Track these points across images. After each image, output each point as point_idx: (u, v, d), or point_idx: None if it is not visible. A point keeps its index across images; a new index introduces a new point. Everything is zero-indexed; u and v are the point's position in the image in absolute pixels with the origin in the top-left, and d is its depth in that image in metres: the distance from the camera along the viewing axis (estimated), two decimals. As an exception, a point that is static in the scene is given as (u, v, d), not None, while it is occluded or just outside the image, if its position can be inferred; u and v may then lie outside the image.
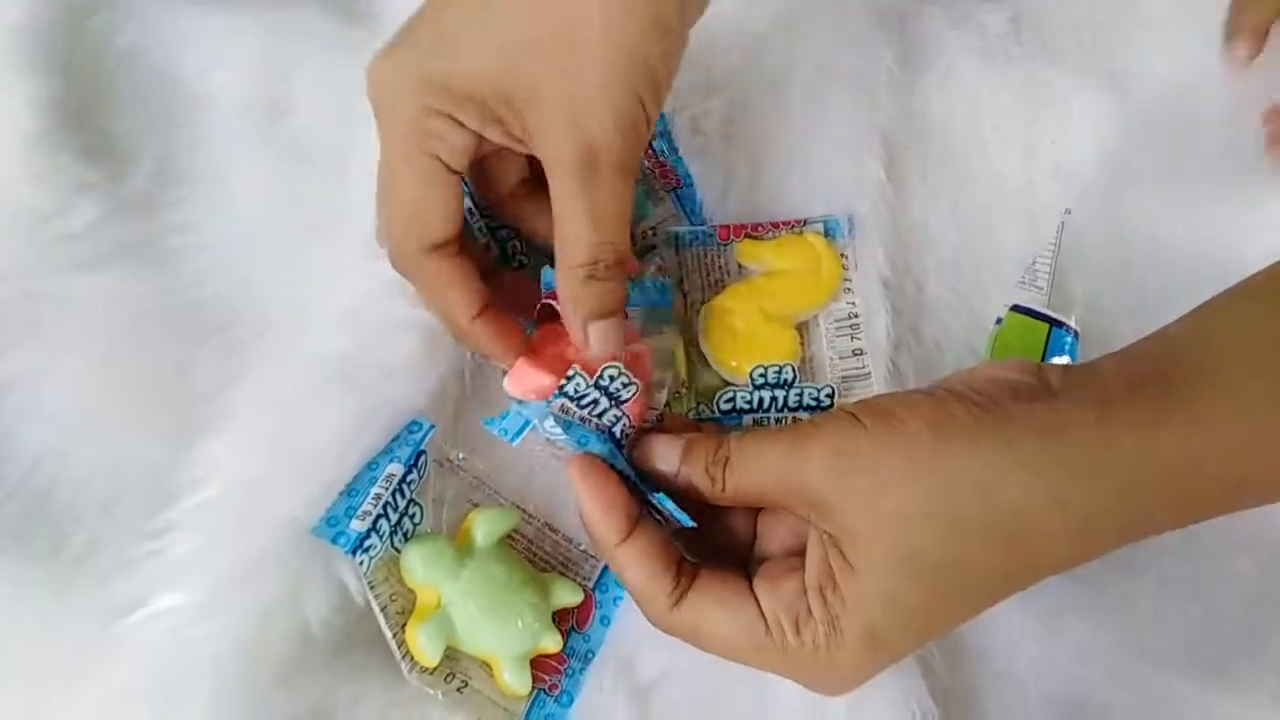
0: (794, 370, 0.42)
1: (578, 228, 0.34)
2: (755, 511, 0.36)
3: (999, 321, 0.47)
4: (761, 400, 0.42)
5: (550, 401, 0.36)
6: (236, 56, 0.45)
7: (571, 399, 0.36)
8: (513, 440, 0.37)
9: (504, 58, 0.32)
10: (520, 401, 0.37)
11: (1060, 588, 0.41)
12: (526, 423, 0.37)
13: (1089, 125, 0.48)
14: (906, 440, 0.30)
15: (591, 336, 0.35)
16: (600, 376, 0.35)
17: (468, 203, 0.40)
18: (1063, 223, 0.48)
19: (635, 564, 0.33)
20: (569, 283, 0.35)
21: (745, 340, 0.43)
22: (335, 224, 0.43)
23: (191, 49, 0.45)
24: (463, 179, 0.36)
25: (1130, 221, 0.48)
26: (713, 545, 0.36)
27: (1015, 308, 0.45)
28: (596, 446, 0.35)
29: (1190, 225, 0.48)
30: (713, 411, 0.42)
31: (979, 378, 0.31)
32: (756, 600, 0.32)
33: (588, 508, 0.33)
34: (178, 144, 0.45)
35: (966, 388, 0.31)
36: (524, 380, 0.37)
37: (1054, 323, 0.46)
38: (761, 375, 0.42)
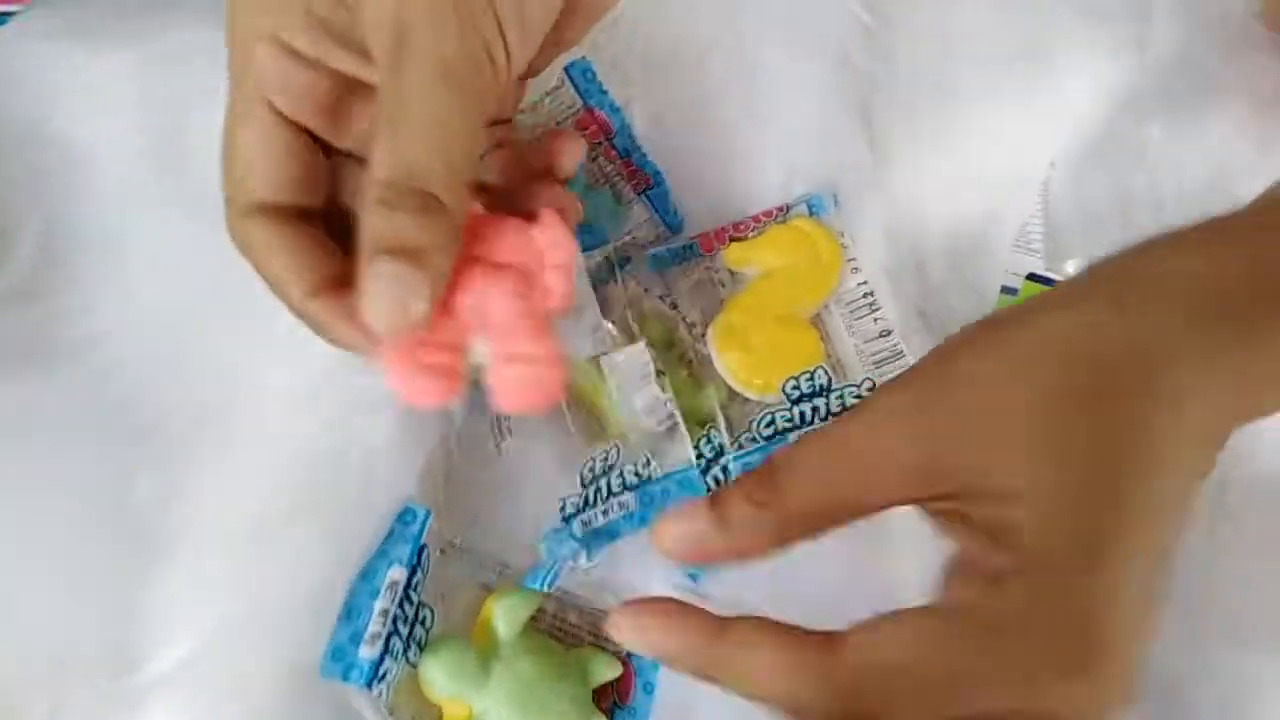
0: (826, 372, 0.39)
1: (381, 140, 0.26)
2: None
3: (1005, 291, 0.44)
4: (803, 414, 0.39)
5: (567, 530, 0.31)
6: (118, 100, 0.38)
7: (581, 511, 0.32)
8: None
9: None
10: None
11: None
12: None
13: (1083, 72, 0.45)
14: (987, 347, 0.25)
15: (368, 282, 0.25)
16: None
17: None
18: (1048, 179, 0.45)
19: (755, 641, 0.25)
20: (365, 207, 0.26)
21: (765, 354, 0.39)
22: (259, 286, 0.37)
23: (64, 99, 0.37)
24: (310, 143, 0.29)
25: (1126, 170, 0.45)
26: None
27: (1031, 276, 0.42)
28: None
29: (1189, 171, 0.46)
30: (755, 437, 0.38)
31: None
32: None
33: (659, 630, 0.26)
34: (62, 213, 0.38)
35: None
36: (412, 388, 0.27)
37: None
38: (795, 388, 0.39)
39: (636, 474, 0.36)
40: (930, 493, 0.25)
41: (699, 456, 0.38)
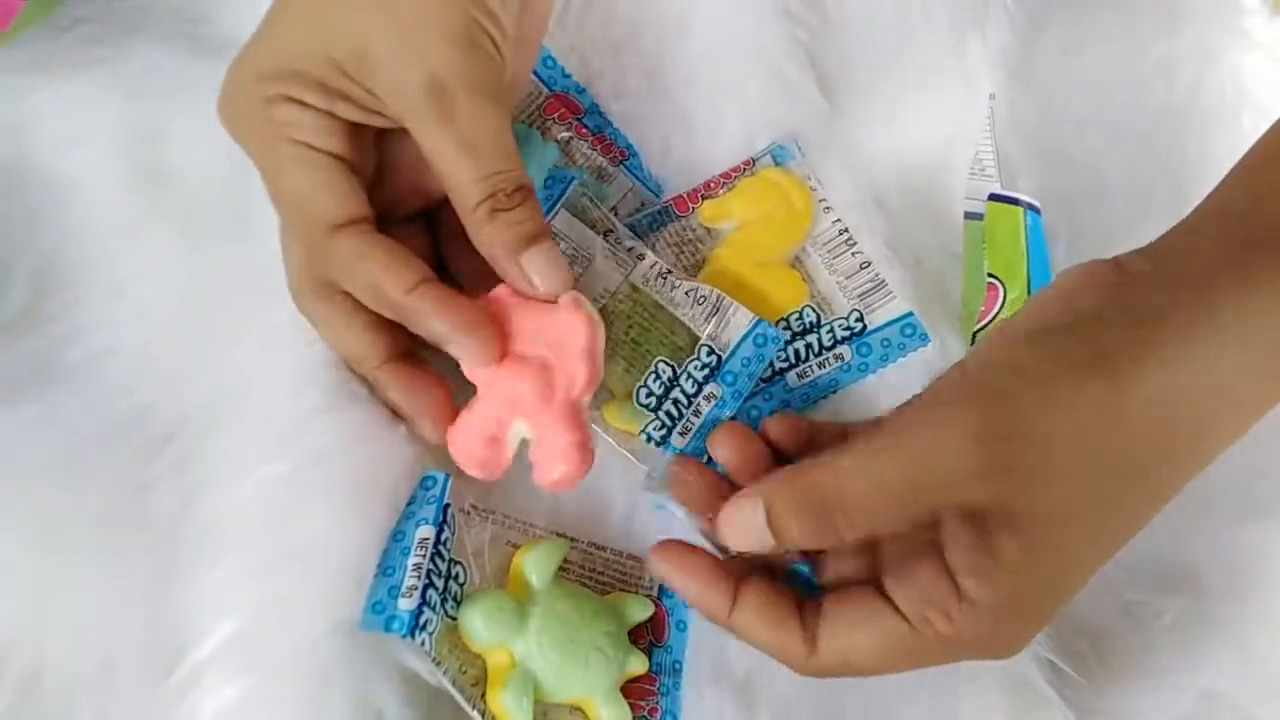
0: (814, 310, 0.41)
1: (456, 167, 0.31)
2: None
3: (969, 216, 0.46)
4: (798, 352, 0.40)
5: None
6: (93, 125, 0.39)
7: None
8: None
9: (321, 27, 0.31)
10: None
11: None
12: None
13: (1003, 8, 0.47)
14: (1062, 402, 0.28)
15: (530, 272, 0.32)
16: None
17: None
18: (992, 109, 0.47)
19: (756, 627, 0.30)
20: (477, 229, 0.31)
21: (752, 299, 0.40)
22: (254, 288, 0.38)
23: (41, 131, 0.39)
24: (351, 168, 0.32)
25: (1063, 88, 0.48)
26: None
27: (993, 196, 0.44)
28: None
29: (1116, 76, 0.49)
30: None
31: (1059, 309, 0.30)
32: (893, 604, 0.29)
33: (687, 593, 0.31)
34: (51, 242, 0.39)
35: (1058, 321, 0.29)
36: (472, 461, 0.34)
37: (1024, 205, 0.45)
38: (786, 327, 0.40)
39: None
40: (963, 507, 0.28)
41: (649, 395, 0.38)
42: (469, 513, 0.36)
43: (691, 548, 0.32)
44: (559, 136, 0.43)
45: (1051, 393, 0.28)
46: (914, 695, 0.36)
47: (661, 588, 0.37)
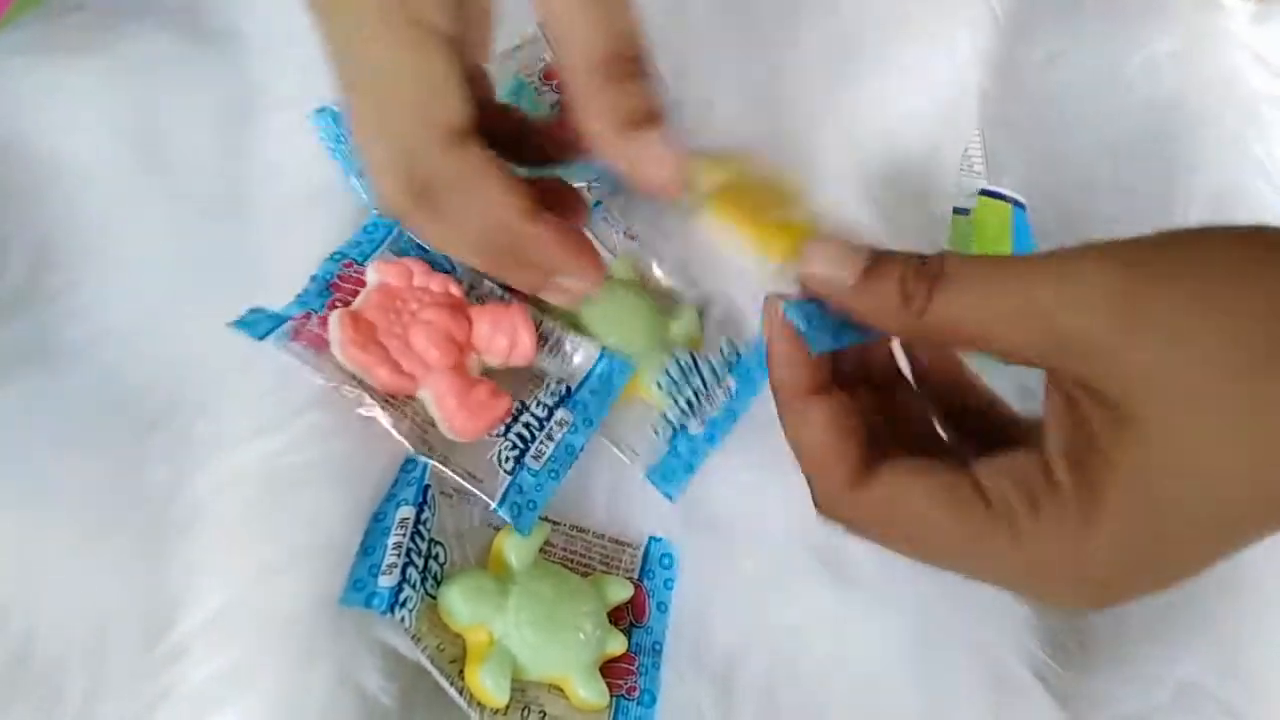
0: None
1: (583, 19, 0.26)
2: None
3: (957, 212, 0.46)
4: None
5: None
6: (92, 110, 0.40)
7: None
8: None
9: None
10: None
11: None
12: None
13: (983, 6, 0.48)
14: (1216, 283, 0.22)
15: (634, 155, 0.27)
16: None
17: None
18: (980, 108, 0.48)
19: (818, 423, 0.25)
20: (588, 92, 0.26)
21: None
22: (248, 268, 0.39)
23: (40, 113, 0.40)
24: None
25: (1051, 89, 0.48)
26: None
27: (984, 192, 0.44)
28: None
29: (1103, 77, 0.49)
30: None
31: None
32: (973, 476, 0.24)
33: (775, 350, 0.26)
34: (50, 223, 0.40)
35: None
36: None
37: (1011, 200, 0.46)
38: None
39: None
40: (1070, 371, 0.23)
41: (669, 380, 0.39)
42: (451, 495, 0.36)
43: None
44: (550, 102, 0.43)
45: (1212, 249, 0.22)
46: (896, 679, 0.36)
47: (642, 570, 0.38)
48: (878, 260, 0.25)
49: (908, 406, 0.29)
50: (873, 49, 0.47)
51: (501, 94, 0.41)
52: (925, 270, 0.24)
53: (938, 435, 0.29)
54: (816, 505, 0.26)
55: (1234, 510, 0.22)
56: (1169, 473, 0.22)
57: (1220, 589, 0.38)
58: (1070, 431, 0.23)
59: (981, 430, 0.28)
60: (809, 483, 0.26)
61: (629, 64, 0.26)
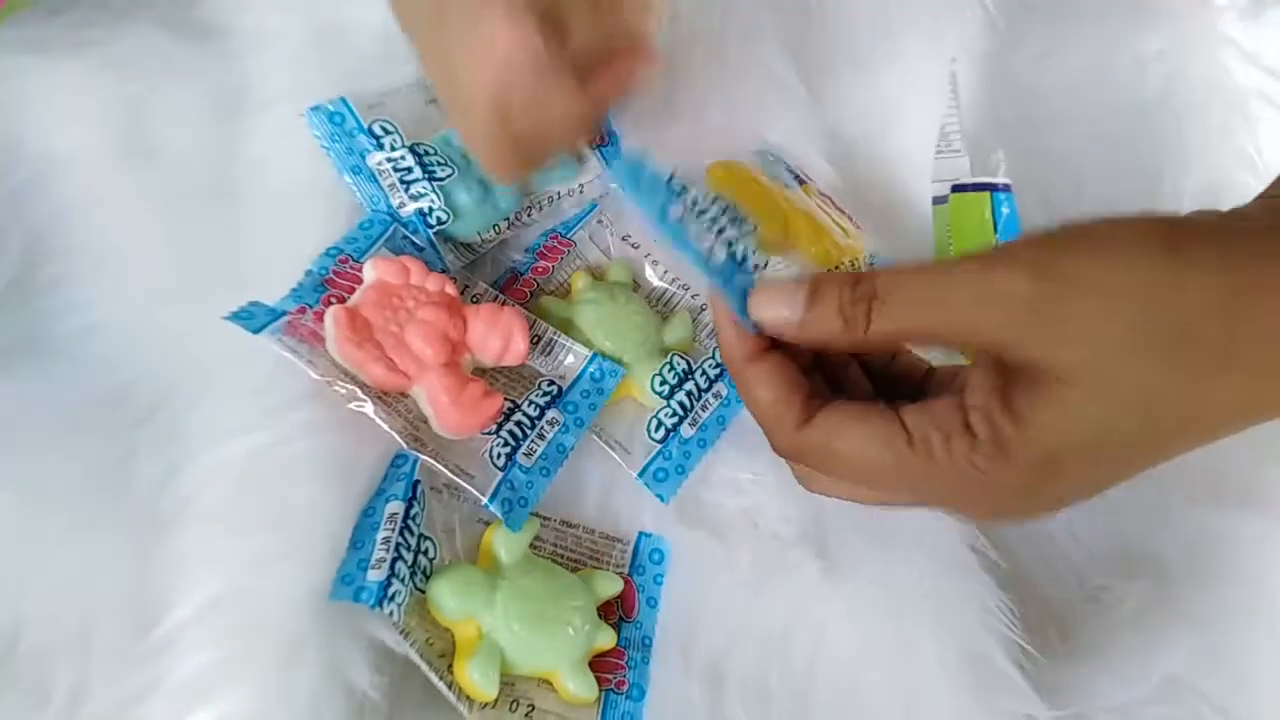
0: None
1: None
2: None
3: (937, 201, 0.46)
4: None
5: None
6: (83, 105, 0.40)
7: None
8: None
9: None
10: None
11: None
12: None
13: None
14: (1120, 262, 0.25)
15: None
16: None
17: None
18: (954, 74, 0.48)
19: (764, 382, 0.29)
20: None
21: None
22: (240, 263, 0.39)
23: (31, 109, 0.40)
24: None
25: (1040, 86, 0.49)
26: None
27: (955, 187, 0.44)
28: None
29: (1092, 74, 0.49)
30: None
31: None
32: (901, 418, 0.28)
33: (722, 323, 0.30)
34: (42, 218, 0.40)
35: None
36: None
37: (990, 188, 0.46)
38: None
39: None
40: (992, 353, 0.27)
41: (663, 383, 0.40)
42: (441, 491, 0.36)
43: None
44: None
45: (1110, 247, 0.25)
46: (880, 670, 0.37)
47: (632, 565, 0.38)
48: (815, 292, 0.28)
49: (845, 367, 0.32)
50: (863, 46, 0.47)
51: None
52: (859, 294, 0.28)
53: (871, 390, 0.32)
54: (773, 448, 0.30)
55: (1123, 461, 0.27)
56: (1077, 423, 0.26)
57: (1203, 583, 0.39)
58: (988, 394, 0.27)
59: (909, 386, 0.32)
60: (766, 433, 0.30)
61: None
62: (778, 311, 0.29)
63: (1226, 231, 0.26)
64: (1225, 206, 0.29)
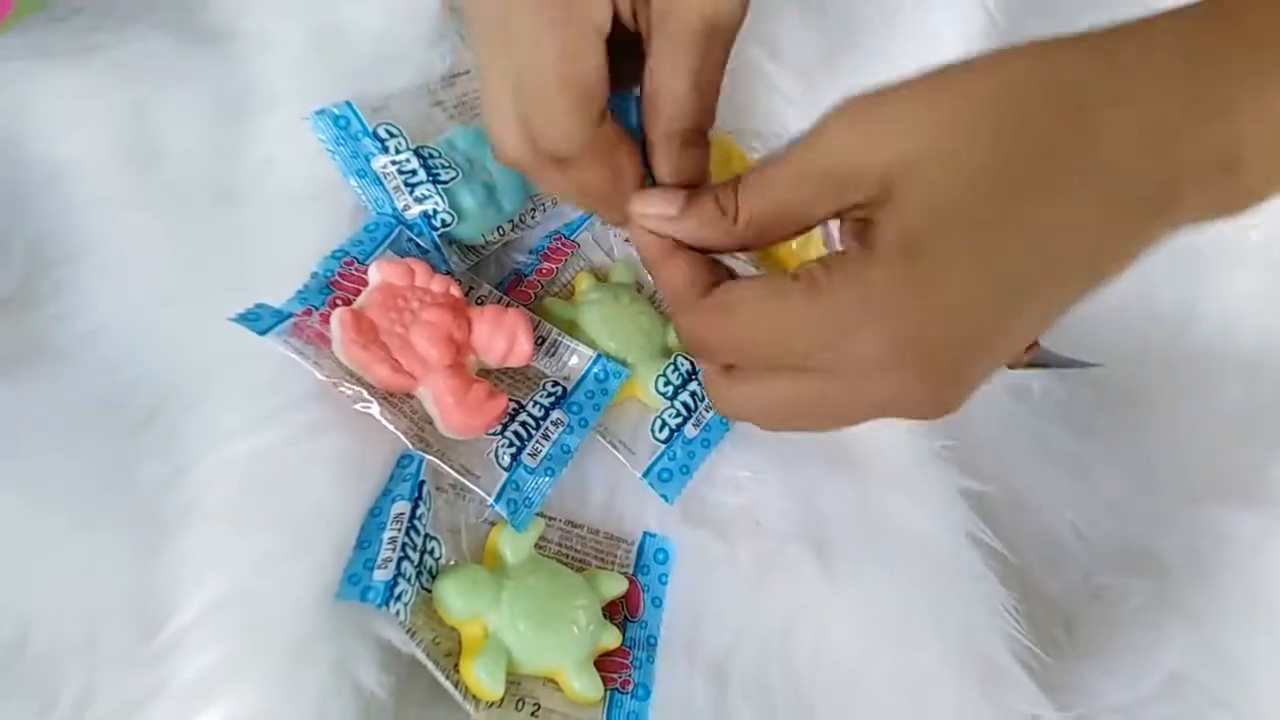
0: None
1: (685, 92, 0.32)
2: None
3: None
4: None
5: None
6: (88, 109, 0.40)
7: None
8: None
9: None
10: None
11: (1079, 442, 0.42)
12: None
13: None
14: (924, 78, 0.27)
15: (697, 201, 0.32)
16: None
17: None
18: None
19: (674, 265, 0.31)
20: (667, 149, 0.33)
21: None
22: (244, 266, 0.39)
23: (35, 113, 0.40)
24: None
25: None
26: None
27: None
28: None
29: None
30: None
31: None
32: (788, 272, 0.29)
33: (636, 229, 0.32)
34: (47, 222, 0.40)
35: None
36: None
37: None
38: None
39: None
40: (850, 202, 0.28)
41: (666, 384, 0.40)
42: (446, 491, 0.37)
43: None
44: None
45: (940, 79, 0.27)
46: (884, 667, 0.37)
47: (637, 565, 0.38)
48: (691, 193, 0.31)
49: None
50: (863, 46, 0.47)
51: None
52: (730, 183, 0.30)
53: None
54: (681, 335, 0.32)
55: (988, 240, 0.27)
56: (915, 204, 0.27)
57: (1205, 580, 0.39)
58: (853, 229, 0.29)
59: None
60: (674, 318, 0.32)
61: (701, 138, 0.33)
62: (657, 207, 0.31)
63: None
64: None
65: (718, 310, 0.30)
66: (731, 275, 0.32)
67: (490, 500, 0.35)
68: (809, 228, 0.30)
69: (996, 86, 0.26)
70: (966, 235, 0.26)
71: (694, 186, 0.33)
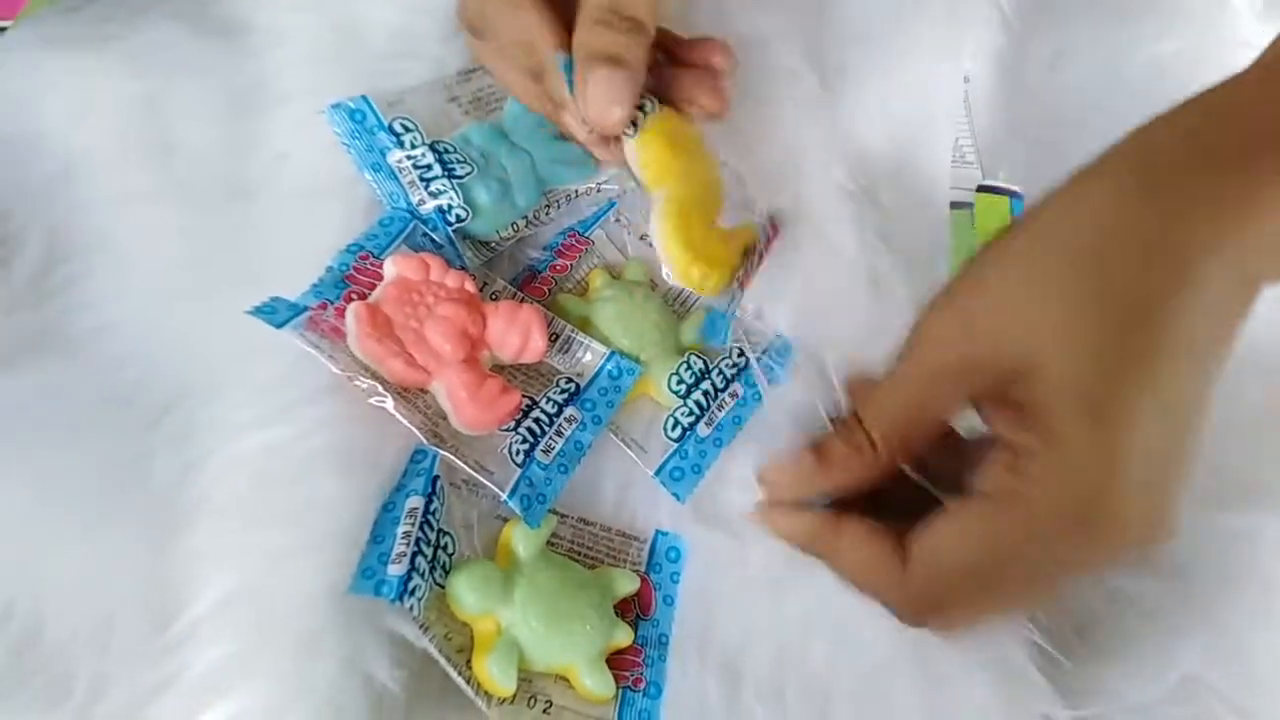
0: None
1: None
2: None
3: (954, 206, 0.46)
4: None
5: None
6: (104, 103, 0.40)
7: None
8: None
9: None
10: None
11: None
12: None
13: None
14: (1007, 246, 0.29)
15: (589, 87, 0.33)
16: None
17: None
18: (966, 94, 0.48)
19: (853, 547, 0.32)
20: (581, 30, 0.33)
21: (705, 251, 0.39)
22: (258, 260, 0.39)
23: (50, 101, 0.40)
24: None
25: (1055, 89, 0.49)
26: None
27: (981, 188, 0.44)
28: None
29: (1107, 77, 0.49)
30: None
31: None
32: (966, 495, 0.30)
33: (792, 526, 0.35)
34: (61, 215, 0.40)
35: None
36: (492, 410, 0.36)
37: (1008, 193, 0.46)
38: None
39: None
40: (981, 389, 0.29)
41: (679, 382, 0.40)
42: (460, 487, 0.36)
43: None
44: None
45: (990, 242, 0.29)
46: (900, 671, 0.37)
47: (649, 563, 0.38)
48: (817, 444, 0.33)
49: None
50: (877, 46, 0.47)
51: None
52: (846, 421, 0.31)
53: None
54: (890, 608, 0.32)
55: (1136, 373, 0.27)
56: (1068, 381, 0.27)
57: (1220, 582, 0.38)
58: (998, 419, 0.29)
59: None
60: (882, 599, 0.32)
61: (620, 20, 0.32)
62: (793, 474, 0.33)
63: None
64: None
65: (931, 577, 0.30)
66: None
67: (504, 496, 0.35)
68: (946, 425, 0.31)
69: (1090, 234, 0.28)
70: (1122, 379, 0.27)
71: (598, 61, 0.33)
